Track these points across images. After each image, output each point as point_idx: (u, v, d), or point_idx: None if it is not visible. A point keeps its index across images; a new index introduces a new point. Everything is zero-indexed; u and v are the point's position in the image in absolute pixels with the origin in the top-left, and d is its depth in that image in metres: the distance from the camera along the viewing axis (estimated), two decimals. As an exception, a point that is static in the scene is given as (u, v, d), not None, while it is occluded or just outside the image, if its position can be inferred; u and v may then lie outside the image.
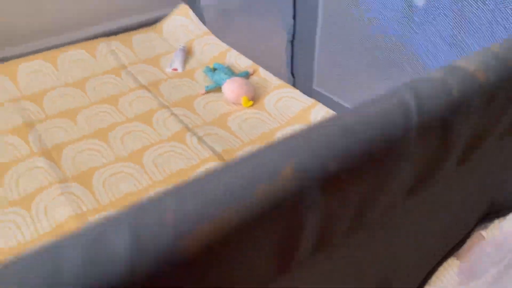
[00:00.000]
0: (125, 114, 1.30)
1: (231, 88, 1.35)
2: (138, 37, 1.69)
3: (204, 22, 1.72)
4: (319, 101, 1.31)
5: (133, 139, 1.20)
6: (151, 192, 1.03)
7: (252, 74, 1.48)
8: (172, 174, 1.08)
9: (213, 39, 1.67)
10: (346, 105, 1.24)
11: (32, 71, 1.46)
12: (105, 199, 1.01)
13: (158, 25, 1.77)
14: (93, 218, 0.95)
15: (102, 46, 1.60)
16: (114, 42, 1.63)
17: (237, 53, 1.58)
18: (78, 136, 1.22)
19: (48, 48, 1.54)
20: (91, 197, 1.01)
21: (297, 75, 1.37)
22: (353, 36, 1.09)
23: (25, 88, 1.41)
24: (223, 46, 1.63)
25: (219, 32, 1.69)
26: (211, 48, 1.63)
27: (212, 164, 1.10)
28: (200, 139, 1.19)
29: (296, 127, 1.24)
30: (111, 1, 1.72)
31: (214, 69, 1.49)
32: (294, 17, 1.25)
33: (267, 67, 1.49)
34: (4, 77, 1.42)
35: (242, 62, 1.54)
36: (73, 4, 1.60)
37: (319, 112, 1.28)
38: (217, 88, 1.41)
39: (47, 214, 0.97)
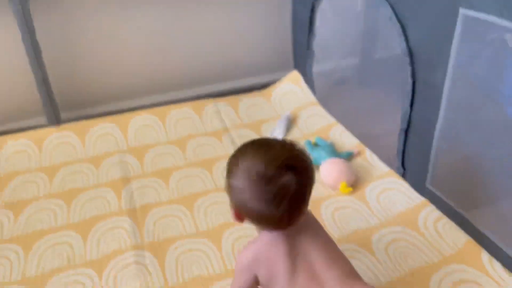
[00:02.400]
0: (216, 182, 1.26)
1: (329, 170, 1.23)
2: (245, 100, 1.68)
3: (314, 91, 1.65)
4: (430, 202, 1.11)
5: (216, 213, 1.14)
6: (222, 281, 0.94)
7: (356, 155, 1.34)
8: (248, 263, 0.98)
9: (320, 110, 1.59)
10: (460, 210, 1.02)
11: (142, 125, 1.53)
12: (173, 279, 0.94)
13: (267, 90, 1.75)
14: (156, 301, 0.89)
15: (209, 106, 1.62)
16: (221, 104, 1.65)
17: (343, 129, 1.46)
18: (166, 199, 1.20)
19: (160, 104, 1.61)
20: (160, 273, 0.96)
21: (409, 168, 1.19)
22: (484, 136, 0.91)
23: (132, 141, 1.47)
24: (329, 119, 1.53)
25: (327, 103, 1.60)
26: (316, 120, 1.55)
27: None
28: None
29: (398, 229, 1.06)
30: (225, 63, 1.76)
31: (316, 144, 1.39)
32: (411, 105, 1.09)
33: (375, 151, 1.34)
34: (117, 129, 1.50)
35: (347, 140, 1.42)
36: (188, 62, 1.68)
37: (430, 215, 1.08)
38: (315, 167, 1.29)
39: (116, 284, 0.94)
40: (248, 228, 1.08)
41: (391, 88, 1.29)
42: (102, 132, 1.49)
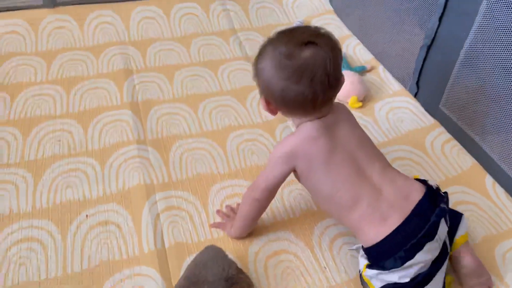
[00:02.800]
0: (221, 85, 1.21)
1: (341, 82, 1.18)
2: (256, 1, 1.56)
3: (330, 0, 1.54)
4: (441, 123, 1.09)
5: (221, 115, 1.11)
6: (225, 182, 0.93)
7: (369, 71, 1.29)
8: (252, 167, 0.97)
9: (335, 19, 1.49)
10: (471, 134, 1.01)
11: (144, 17, 1.42)
12: (177, 176, 0.94)
13: (280, -8, 1.62)
14: (160, 194, 0.89)
15: (217, 3, 1.50)
16: (230, 2, 1.53)
17: (358, 42, 1.39)
18: (169, 97, 1.15)
19: (165, -3, 1.49)
20: (164, 168, 0.95)
21: (423, 87, 1.15)
22: (510, 62, 0.85)
23: (134, 33, 1.37)
24: (344, 31, 1.44)
25: (344, 13, 1.50)
26: (330, 30, 1.43)
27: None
28: (292, 133, 1.06)
29: (405, 148, 1.05)
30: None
31: (328, 56, 1.33)
32: (440, 19, 1.02)
33: (389, 67, 1.28)
34: (118, 18, 1.40)
35: (361, 54, 1.35)
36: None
37: (438, 137, 1.07)
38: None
39: (117, 175, 0.93)
40: (254, 133, 1.06)
41: (418, 4, 1.19)
42: (101, 20, 1.38)
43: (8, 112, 1.06)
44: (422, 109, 1.14)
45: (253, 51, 1.34)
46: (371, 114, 1.14)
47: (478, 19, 0.92)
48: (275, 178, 0.74)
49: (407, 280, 0.67)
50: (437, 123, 1.10)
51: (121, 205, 0.87)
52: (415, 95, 1.18)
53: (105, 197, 0.88)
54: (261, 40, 1.40)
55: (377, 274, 0.69)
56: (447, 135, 1.06)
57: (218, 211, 0.87)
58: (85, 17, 1.38)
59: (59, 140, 1.00)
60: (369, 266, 0.70)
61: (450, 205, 0.91)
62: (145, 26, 1.40)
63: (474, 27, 0.93)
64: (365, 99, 1.19)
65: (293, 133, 0.74)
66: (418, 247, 0.67)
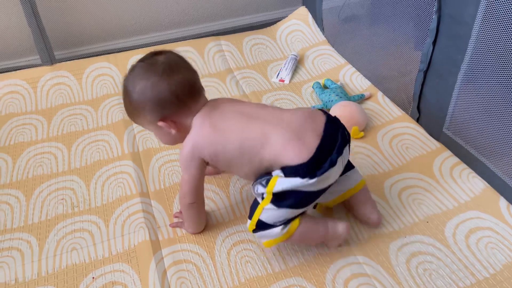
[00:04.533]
0: (221, 126, 1.20)
1: (340, 113, 1.16)
2: (249, 38, 1.58)
3: (322, 29, 1.55)
4: (447, 147, 1.07)
5: (223, 158, 1.10)
6: (231, 229, 0.91)
7: (368, 98, 1.28)
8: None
9: (329, 50, 1.50)
10: (479, 156, 0.98)
11: (140, 65, 1.44)
12: (182, 229, 0.92)
13: (273, 27, 1.64)
14: (166, 249, 0.87)
15: (211, 45, 1.52)
16: (224, 42, 1.55)
17: (354, 70, 1.38)
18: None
19: (159, 43, 1.51)
20: (168, 224, 0.93)
21: (425, 111, 1.13)
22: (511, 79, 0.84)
23: (131, 81, 1.39)
24: (339, 60, 1.45)
25: (338, 42, 1.50)
26: (325, 60, 1.46)
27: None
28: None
29: (412, 175, 1.03)
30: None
31: (325, 87, 1.32)
32: (434, 43, 1.01)
33: (388, 93, 1.28)
34: (115, 69, 1.41)
35: (358, 82, 1.35)
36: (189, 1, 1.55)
37: (446, 161, 1.04)
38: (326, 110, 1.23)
39: (123, 232, 0.91)
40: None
41: (409, 25, 1.19)
42: (99, 72, 1.40)
43: (11, 174, 1.06)
44: (426, 134, 1.12)
45: (250, 89, 1.35)
46: (374, 143, 1.13)
47: (472, 41, 0.91)
48: (193, 176, 0.82)
49: (312, 189, 0.76)
50: (443, 147, 1.07)
51: (128, 263, 0.85)
52: (417, 120, 1.16)
53: (111, 257, 0.86)
54: (257, 77, 1.41)
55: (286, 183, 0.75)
56: (455, 159, 1.04)
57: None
58: (83, 71, 1.40)
59: (63, 199, 1.00)
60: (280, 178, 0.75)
61: (466, 232, 0.88)
62: (142, 74, 1.41)
63: (469, 50, 0.93)
64: (366, 128, 1.17)
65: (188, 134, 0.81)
66: (333, 163, 0.76)
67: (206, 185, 1.02)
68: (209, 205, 0.97)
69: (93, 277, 0.83)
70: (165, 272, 0.82)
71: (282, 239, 0.80)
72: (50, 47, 1.38)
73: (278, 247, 0.87)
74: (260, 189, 0.79)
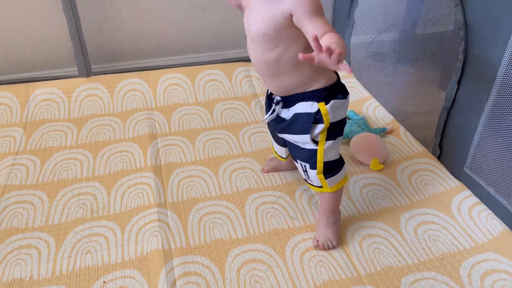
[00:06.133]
0: (242, 148, 1.23)
1: (361, 145, 1.18)
2: (277, 67, 1.62)
3: (349, 62, 1.58)
4: (467, 187, 1.06)
5: (241, 179, 1.11)
6: (243, 246, 0.92)
7: (389, 132, 1.29)
8: (271, 231, 0.96)
9: (354, 83, 1.52)
10: (499, 198, 0.96)
11: (171, 84, 1.50)
12: (195, 240, 0.93)
13: (300, 57, 1.68)
14: (177, 259, 0.88)
15: (240, 69, 1.57)
16: (253, 68, 1.59)
17: (378, 104, 1.40)
18: (191, 159, 1.18)
19: (190, 64, 1.57)
20: (182, 234, 0.94)
21: (446, 149, 1.13)
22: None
23: (161, 98, 1.44)
24: (364, 93, 1.47)
25: (363, 75, 1.53)
26: (350, 92, 1.47)
27: (314, 234, 0.94)
28: (312, 198, 1.05)
29: (430, 211, 1.02)
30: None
31: (348, 118, 1.34)
32: (459, 82, 1.02)
33: (410, 128, 1.28)
34: (146, 85, 1.48)
35: (381, 116, 1.36)
36: (222, 24, 1.61)
37: (465, 201, 1.03)
38: (345, 140, 1.25)
39: (137, 240, 0.93)
40: (273, 195, 1.05)
41: (434, 64, 1.21)
42: (131, 87, 1.47)
43: (38, 176, 1.11)
44: (447, 172, 1.11)
45: (274, 115, 1.37)
46: (393, 177, 1.12)
47: (498, 82, 0.92)
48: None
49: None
50: (463, 185, 1.06)
51: (139, 271, 0.86)
52: (438, 157, 1.16)
53: (123, 263, 0.88)
54: (282, 103, 1.44)
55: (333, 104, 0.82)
56: (475, 199, 1.03)
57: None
58: (116, 85, 1.46)
59: (83, 203, 1.03)
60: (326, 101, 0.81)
61: (482, 273, 0.86)
62: (170, 92, 1.47)
63: (494, 91, 0.93)
64: (386, 161, 1.17)
65: None
66: None
67: (222, 202, 1.03)
68: (224, 221, 0.98)
69: (104, 281, 0.84)
70: (174, 282, 0.83)
71: (345, 180, 0.91)
72: (88, 61, 1.45)
73: (289, 270, 0.87)
74: (304, 138, 0.84)
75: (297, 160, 0.91)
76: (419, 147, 1.21)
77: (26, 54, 1.48)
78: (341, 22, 1.59)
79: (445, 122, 1.10)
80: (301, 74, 0.82)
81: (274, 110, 0.89)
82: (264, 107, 1.00)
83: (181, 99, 1.45)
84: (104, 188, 1.08)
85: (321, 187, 0.90)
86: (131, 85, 1.47)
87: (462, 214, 1.00)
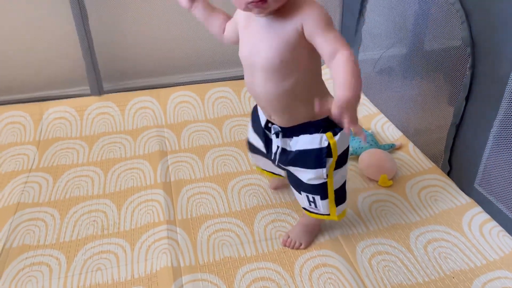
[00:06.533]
0: (251, 164, 1.24)
1: (369, 161, 1.18)
2: (286, 83, 1.64)
3: (357, 79, 1.59)
4: (477, 203, 1.05)
5: (250, 195, 1.12)
6: (252, 264, 0.92)
7: (398, 148, 1.29)
8: (279, 249, 0.96)
9: (362, 99, 1.53)
10: (509, 214, 0.95)
11: (181, 101, 1.52)
12: (204, 258, 0.93)
13: (309, 74, 1.70)
14: (186, 277, 0.88)
15: (249, 87, 1.59)
16: (261, 85, 1.61)
17: (386, 120, 1.40)
18: (200, 176, 1.19)
19: (201, 82, 1.59)
20: (191, 251, 0.95)
21: (456, 165, 1.13)
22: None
23: (171, 116, 1.46)
24: (372, 109, 1.47)
25: (371, 92, 1.53)
26: (358, 108, 1.48)
27: (324, 251, 0.94)
28: (320, 213, 1.05)
29: (440, 228, 1.01)
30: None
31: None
32: (467, 98, 1.02)
33: (419, 144, 1.28)
34: (156, 103, 1.50)
35: (390, 132, 1.36)
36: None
37: (475, 217, 1.02)
38: (353, 157, 1.25)
39: (146, 257, 0.94)
40: (282, 213, 1.06)
41: (442, 79, 1.21)
42: (141, 105, 1.49)
43: (50, 194, 1.13)
44: (457, 188, 1.10)
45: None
46: (402, 193, 1.12)
47: (506, 99, 0.92)
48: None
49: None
50: (474, 202, 1.05)
51: (148, 288, 0.87)
52: (448, 174, 1.15)
53: (133, 280, 0.88)
54: (290, 120, 1.45)
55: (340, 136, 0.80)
56: (486, 215, 1.02)
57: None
58: (127, 102, 1.49)
59: (94, 221, 1.04)
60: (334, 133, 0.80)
61: (493, 294, 0.85)
62: (180, 109, 1.49)
63: (502, 107, 0.93)
64: (395, 177, 1.17)
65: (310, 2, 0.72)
66: None
67: (231, 219, 1.04)
68: (233, 238, 0.98)
69: (114, 299, 0.85)
70: (183, 300, 0.84)
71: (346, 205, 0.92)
72: (100, 79, 1.49)
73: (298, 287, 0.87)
74: (318, 172, 0.82)
75: (301, 192, 0.88)
76: (428, 163, 1.21)
77: (39, 73, 1.52)
78: (348, 39, 1.60)
79: (454, 138, 1.10)
80: (312, 101, 0.76)
81: (277, 145, 0.85)
82: (256, 136, 0.92)
83: (191, 116, 1.47)
84: (115, 205, 1.09)
85: (328, 215, 0.89)
86: (142, 103, 1.50)
87: (473, 231, 0.99)
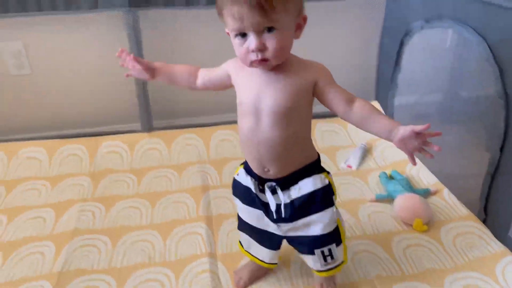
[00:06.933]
0: (288, 203, 1.30)
1: (405, 204, 1.22)
2: (323, 125, 1.71)
3: (393, 123, 1.64)
4: (511, 251, 1.06)
5: (288, 233, 1.17)
6: (289, 300, 0.96)
7: (433, 194, 1.31)
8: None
9: (398, 143, 1.57)
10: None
11: (222, 139, 1.62)
12: (243, 290, 0.99)
13: (345, 117, 1.76)
14: (226, 308, 0.94)
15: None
16: (299, 126, 1.69)
17: (422, 165, 1.43)
18: (240, 212, 1.26)
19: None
20: (230, 285, 1.01)
21: (491, 213, 1.14)
22: None
23: (213, 152, 1.56)
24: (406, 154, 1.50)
25: (406, 137, 1.57)
26: (393, 152, 1.53)
27: (361, 290, 0.97)
28: (354, 254, 1.09)
29: (474, 275, 1.02)
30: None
31: (391, 177, 1.38)
32: (501, 149, 1.06)
33: (454, 191, 1.30)
34: (200, 140, 1.61)
35: (425, 177, 1.39)
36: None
37: (509, 265, 1.03)
38: (388, 200, 1.29)
39: (190, 287, 1.00)
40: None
41: (478, 128, 1.25)
42: (186, 142, 1.60)
43: (103, 222, 1.23)
44: (492, 236, 1.12)
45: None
46: (437, 238, 1.14)
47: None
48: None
49: None
50: (508, 250, 1.06)
51: (191, 317, 0.92)
52: (484, 221, 1.16)
53: (177, 308, 0.95)
54: (325, 159, 1.51)
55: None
56: (521, 265, 1.02)
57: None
58: (174, 139, 1.60)
59: (142, 250, 1.12)
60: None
61: None
62: (222, 147, 1.59)
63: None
64: (430, 222, 1.20)
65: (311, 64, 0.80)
66: None
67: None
68: (269, 274, 1.03)
69: (159, 325, 0.91)
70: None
71: None
72: (151, 117, 1.61)
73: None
74: (329, 211, 0.85)
75: (315, 250, 0.87)
76: (464, 210, 1.22)
77: (98, 110, 1.67)
78: (384, 87, 1.67)
79: (489, 187, 1.12)
80: (309, 144, 0.86)
81: (276, 203, 0.85)
82: (251, 209, 0.90)
83: (231, 153, 1.56)
84: (161, 235, 1.17)
85: (343, 262, 0.91)
86: (187, 140, 1.61)
87: (507, 279, 1.00)
